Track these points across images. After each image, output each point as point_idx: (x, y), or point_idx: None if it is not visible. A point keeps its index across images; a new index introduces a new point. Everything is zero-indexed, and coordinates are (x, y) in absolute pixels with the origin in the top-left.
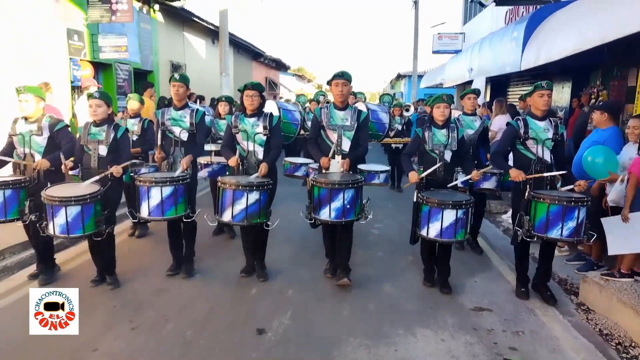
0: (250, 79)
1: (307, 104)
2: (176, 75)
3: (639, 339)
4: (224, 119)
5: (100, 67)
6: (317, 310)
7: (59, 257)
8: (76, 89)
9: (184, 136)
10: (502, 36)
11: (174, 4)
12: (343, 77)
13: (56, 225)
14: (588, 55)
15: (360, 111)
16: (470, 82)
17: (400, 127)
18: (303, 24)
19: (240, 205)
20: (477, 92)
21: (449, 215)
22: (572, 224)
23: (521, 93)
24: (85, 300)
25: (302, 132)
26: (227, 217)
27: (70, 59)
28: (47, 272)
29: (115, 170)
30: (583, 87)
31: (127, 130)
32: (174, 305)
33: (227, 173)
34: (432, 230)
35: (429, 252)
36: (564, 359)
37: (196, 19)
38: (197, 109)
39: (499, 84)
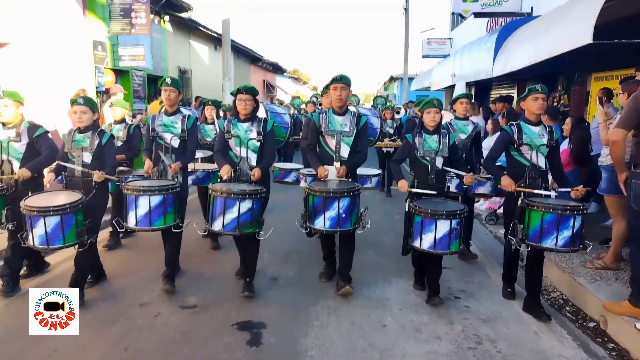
0: (249, 82)
1: (303, 105)
2: (168, 80)
3: (557, 285)
4: (211, 123)
5: (119, 74)
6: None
7: (51, 258)
8: (100, 93)
9: (175, 143)
10: (479, 45)
11: (182, 14)
12: (342, 81)
13: (35, 236)
14: (552, 63)
15: (360, 116)
16: (453, 87)
17: (392, 131)
18: (298, 27)
19: (232, 214)
20: (469, 97)
21: (443, 226)
22: (567, 233)
23: (498, 94)
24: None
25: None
26: (217, 226)
27: (95, 67)
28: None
29: (97, 176)
30: (551, 92)
31: (112, 136)
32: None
33: (213, 180)
34: (425, 242)
35: (419, 258)
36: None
37: (201, 28)
38: (189, 115)
39: (483, 87)
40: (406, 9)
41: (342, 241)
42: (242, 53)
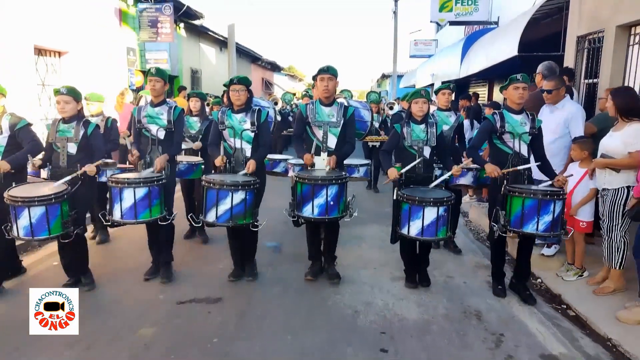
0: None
1: (296, 101)
2: (152, 70)
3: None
4: (195, 115)
5: (145, 75)
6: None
7: (26, 260)
8: (132, 92)
9: (161, 134)
10: (452, 50)
11: (194, 22)
12: (328, 71)
13: (20, 227)
14: (508, 66)
15: (346, 107)
16: (432, 85)
17: (377, 124)
18: (293, 25)
19: (225, 205)
20: (451, 88)
21: (430, 213)
22: (547, 218)
23: (474, 91)
24: None
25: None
26: (211, 217)
27: (128, 69)
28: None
29: (89, 169)
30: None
31: (97, 126)
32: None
33: (196, 173)
34: (413, 229)
35: (411, 252)
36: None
37: (210, 32)
38: (175, 106)
39: (463, 85)
40: (395, 12)
41: (328, 228)
42: (243, 53)
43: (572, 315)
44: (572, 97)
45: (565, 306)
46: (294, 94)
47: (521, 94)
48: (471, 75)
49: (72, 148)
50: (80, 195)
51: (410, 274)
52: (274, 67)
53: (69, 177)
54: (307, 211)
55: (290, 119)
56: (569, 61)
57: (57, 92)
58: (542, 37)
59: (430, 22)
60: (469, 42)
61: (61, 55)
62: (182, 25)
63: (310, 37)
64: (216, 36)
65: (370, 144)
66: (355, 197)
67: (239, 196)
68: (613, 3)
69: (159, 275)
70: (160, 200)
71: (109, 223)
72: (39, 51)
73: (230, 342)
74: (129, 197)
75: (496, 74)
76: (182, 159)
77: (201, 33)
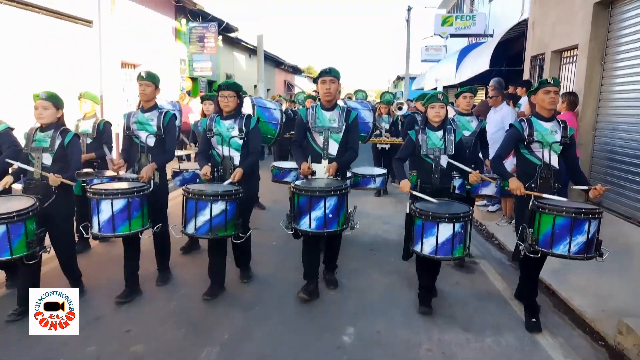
0: (274, 84)
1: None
2: (142, 74)
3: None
4: None
5: (192, 80)
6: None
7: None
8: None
9: (151, 141)
10: (450, 59)
11: (231, 35)
12: (330, 73)
13: None
14: (497, 73)
15: (349, 111)
16: (435, 89)
17: (387, 126)
18: (312, 25)
19: (204, 216)
20: (473, 91)
21: (445, 230)
22: (581, 239)
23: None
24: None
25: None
26: (190, 229)
27: (180, 76)
28: None
29: (51, 179)
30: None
31: (76, 135)
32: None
33: (198, 181)
34: (427, 246)
35: (427, 268)
36: None
37: (242, 42)
38: (166, 111)
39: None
40: (408, 21)
41: (329, 240)
42: (269, 58)
43: (505, 250)
44: (515, 104)
45: (497, 242)
46: (305, 93)
47: (552, 99)
48: (463, 82)
49: (47, 159)
50: (54, 211)
51: (425, 297)
52: (295, 70)
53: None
54: (305, 224)
55: (295, 117)
56: (526, 74)
57: (36, 96)
58: (515, 53)
59: (434, 34)
60: (462, 54)
61: (135, 67)
62: (220, 37)
63: (329, 37)
64: (247, 45)
65: (379, 146)
66: (356, 208)
67: (218, 207)
68: (550, 34)
69: (128, 298)
70: (142, 212)
71: (89, 236)
72: (123, 64)
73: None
74: (106, 209)
75: (479, 82)
76: (188, 166)
77: (234, 43)
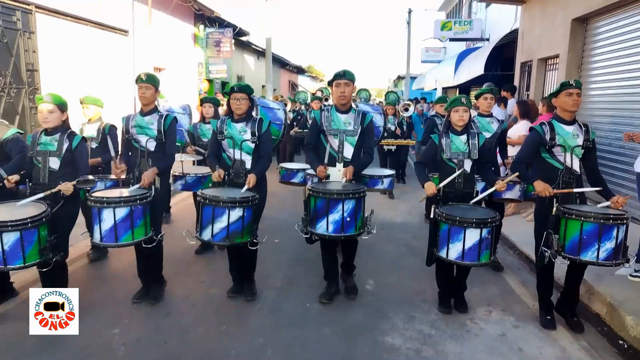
0: (280, 84)
1: (309, 100)
2: (142, 76)
3: None
4: (209, 123)
5: (208, 82)
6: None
7: (17, 279)
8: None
9: (151, 146)
10: (449, 62)
11: (242, 38)
12: (345, 76)
13: None
14: (492, 77)
15: (365, 114)
16: (435, 90)
17: (393, 128)
18: (313, 25)
19: (222, 223)
20: (494, 92)
21: (472, 235)
22: (610, 245)
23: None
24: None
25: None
26: (207, 235)
27: (198, 78)
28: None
29: (65, 187)
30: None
31: (84, 139)
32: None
33: (204, 186)
34: (453, 252)
35: (446, 274)
36: None
37: (252, 45)
38: (167, 115)
39: (465, 89)
40: (408, 23)
41: (345, 244)
42: (275, 59)
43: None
44: (505, 106)
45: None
46: (306, 92)
47: (575, 101)
48: (461, 84)
49: (55, 163)
50: (60, 217)
51: (444, 296)
52: (299, 70)
53: (41, 195)
54: (321, 228)
55: (299, 117)
56: (517, 78)
57: (40, 99)
58: (509, 57)
59: (434, 38)
60: (460, 57)
61: (160, 70)
62: (232, 41)
63: (328, 36)
64: (256, 47)
65: (385, 147)
66: (373, 213)
67: (236, 213)
68: (536, 43)
69: (148, 298)
70: (145, 220)
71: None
72: (154, 69)
73: None
74: (108, 218)
75: (473, 84)
76: (191, 170)
77: (245, 45)
